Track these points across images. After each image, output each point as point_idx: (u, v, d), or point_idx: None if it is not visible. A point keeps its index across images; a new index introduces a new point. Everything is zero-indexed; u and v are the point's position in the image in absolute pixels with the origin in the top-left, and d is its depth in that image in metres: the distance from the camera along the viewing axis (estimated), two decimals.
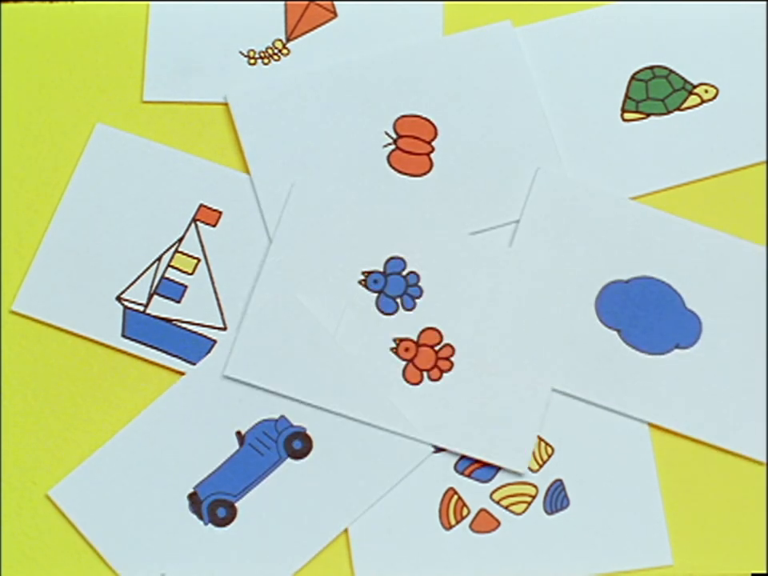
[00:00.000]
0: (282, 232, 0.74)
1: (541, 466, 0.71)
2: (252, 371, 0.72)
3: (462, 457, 0.71)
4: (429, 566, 0.70)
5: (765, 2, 0.79)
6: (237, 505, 0.71)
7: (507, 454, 0.70)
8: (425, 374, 0.72)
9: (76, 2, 0.80)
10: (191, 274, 0.75)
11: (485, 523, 0.70)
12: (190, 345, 0.74)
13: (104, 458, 0.71)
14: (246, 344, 0.72)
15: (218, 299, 0.74)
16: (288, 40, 0.79)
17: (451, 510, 0.70)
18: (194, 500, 0.71)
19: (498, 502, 0.70)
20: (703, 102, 0.77)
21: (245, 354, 0.72)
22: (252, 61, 0.78)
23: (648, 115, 0.77)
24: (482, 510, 0.70)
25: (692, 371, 0.72)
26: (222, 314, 0.74)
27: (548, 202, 0.75)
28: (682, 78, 0.78)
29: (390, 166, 0.76)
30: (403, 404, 0.71)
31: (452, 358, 0.72)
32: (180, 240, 0.75)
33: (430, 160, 0.76)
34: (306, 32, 0.79)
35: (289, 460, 0.71)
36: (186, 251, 0.75)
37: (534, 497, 0.71)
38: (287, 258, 0.74)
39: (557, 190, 0.75)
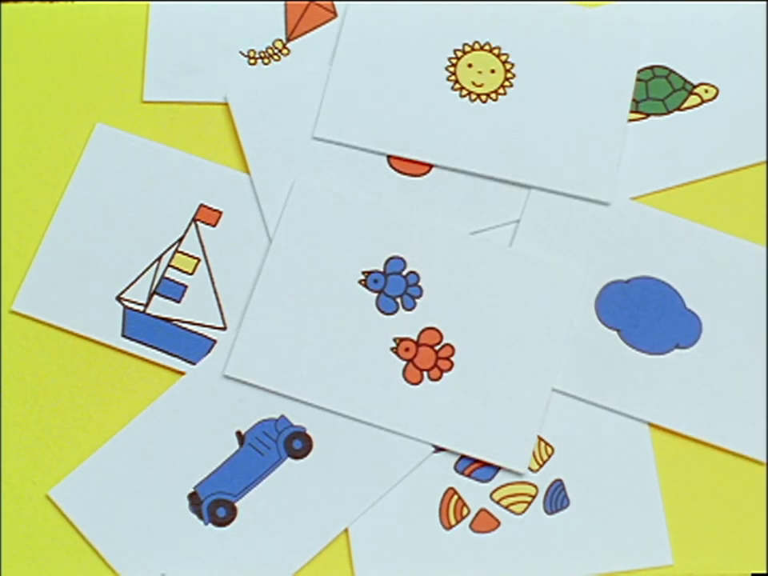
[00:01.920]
0: (281, 232, 0.74)
1: (541, 466, 0.71)
2: (252, 371, 0.72)
3: (462, 457, 0.71)
4: (429, 566, 0.70)
5: (765, 2, 0.79)
6: (237, 505, 0.71)
7: (507, 454, 0.70)
8: (425, 373, 0.72)
9: (76, 2, 0.80)
10: (191, 273, 0.75)
11: (485, 523, 0.70)
12: (190, 344, 0.74)
13: (104, 457, 0.71)
14: (245, 344, 0.72)
15: (217, 299, 0.74)
16: (288, 40, 0.79)
17: (451, 509, 0.70)
18: (194, 500, 0.71)
19: (497, 502, 0.70)
20: (703, 101, 0.77)
21: (245, 353, 0.72)
22: (252, 61, 0.79)
23: (648, 115, 0.77)
24: (482, 509, 0.70)
25: (692, 371, 0.72)
26: (221, 313, 0.74)
27: (548, 201, 0.75)
28: (682, 78, 0.78)
29: (390, 166, 0.76)
30: (403, 404, 0.71)
31: (452, 358, 0.72)
32: (180, 240, 0.75)
33: None
34: (306, 32, 0.79)
35: (289, 460, 0.71)
36: (186, 251, 0.75)
37: (533, 497, 0.71)
38: (287, 258, 0.74)
39: None
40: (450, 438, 0.71)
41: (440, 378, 0.72)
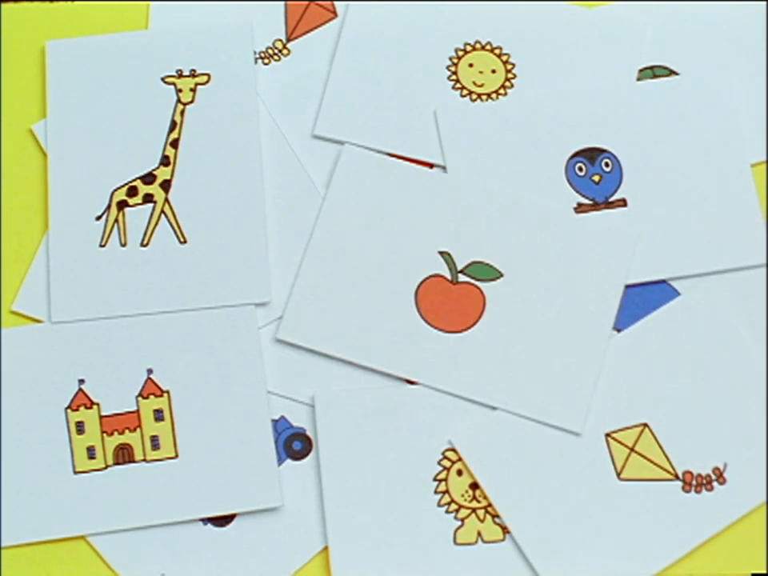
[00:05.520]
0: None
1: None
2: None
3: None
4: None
5: (765, 2, 0.79)
6: None
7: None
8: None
9: (76, 2, 0.80)
10: None
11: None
12: None
13: None
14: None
15: None
16: (288, 40, 0.79)
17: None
18: None
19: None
20: None
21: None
22: None
23: None
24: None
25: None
26: None
27: None
28: None
29: None
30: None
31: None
32: None
33: None
34: (306, 32, 0.79)
35: (289, 460, 0.71)
36: None
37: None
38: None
39: None
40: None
41: None
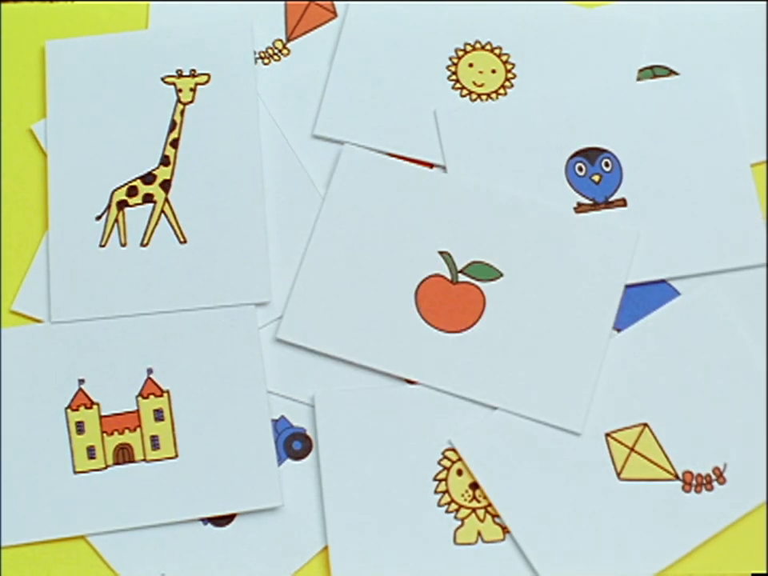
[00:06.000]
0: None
1: None
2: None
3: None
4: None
5: (765, 2, 0.79)
6: None
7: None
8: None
9: (76, 2, 0.80)
10: None
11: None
12: None
13: None
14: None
15: None
16: (288, 40, 0.79)
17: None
18: None
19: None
20: None
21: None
22: None
23: None
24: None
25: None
26: None
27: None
28: None
29: None
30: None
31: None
32: None
33: None
34: (306, 32, 0.79)
35: (289, 460, 0.71)
36: None
37: None
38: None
39: None
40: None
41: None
